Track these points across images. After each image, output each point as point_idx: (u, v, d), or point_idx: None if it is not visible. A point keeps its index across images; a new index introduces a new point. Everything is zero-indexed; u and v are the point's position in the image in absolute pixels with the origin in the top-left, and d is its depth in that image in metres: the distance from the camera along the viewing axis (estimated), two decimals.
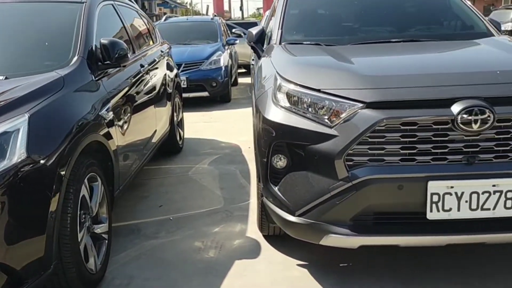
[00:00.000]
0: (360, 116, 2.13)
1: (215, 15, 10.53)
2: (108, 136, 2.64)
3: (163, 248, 2.91)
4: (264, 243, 2.90)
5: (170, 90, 4.57)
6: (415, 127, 2.08)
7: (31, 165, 1.93)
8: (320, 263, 2.63)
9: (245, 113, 7.26)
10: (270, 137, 2.39)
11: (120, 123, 2.90)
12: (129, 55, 3.04)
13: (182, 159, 4.88)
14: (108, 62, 2.85)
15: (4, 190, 1.80)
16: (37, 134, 2.02)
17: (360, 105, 2.14)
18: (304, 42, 3.23)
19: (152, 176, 4.31)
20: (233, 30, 13.68)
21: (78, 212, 2.21)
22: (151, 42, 4.57)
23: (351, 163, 2.15)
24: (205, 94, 8.08)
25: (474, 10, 3.52)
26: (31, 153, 1.94)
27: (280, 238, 2.85)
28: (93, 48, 2.84)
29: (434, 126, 2.07)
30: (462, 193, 2.07)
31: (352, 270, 2.56)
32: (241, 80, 11.39)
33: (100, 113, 2.59)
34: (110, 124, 2.70)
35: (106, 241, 2.59)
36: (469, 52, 2.84)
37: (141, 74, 3.56)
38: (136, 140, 3.34)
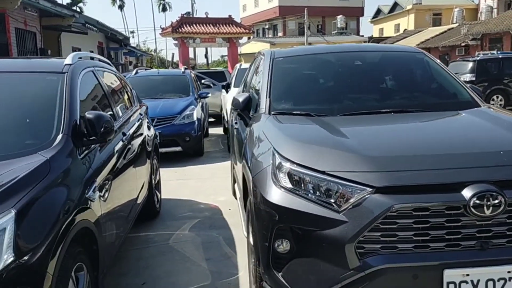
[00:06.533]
0: (370, 201, 2.05)
1: (185, 68, 10.51)
2: (95, 220, 2.44)
3: None
4: None
5: (149, 154, 4.40)
6: (428, 213, 2.02)
7: (17, 268, 1.73)
8: None
9: (220, 168, 7.12)
10: (273, 221, 2.26)
11: (106, 202, 2.70)
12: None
13: (160, 224, 4.64)
14: (93, 137, 2.67)
15: None
16: (25, 231, 1.82)
17: (370, 189, 2.07)
18: (294, 112, 3.18)
19: (131, 246, 4.05)
20: (203, 81, 13.77)
21: None
22: (130, 105, 4.43)
23: (362, 250, 2.05)
24: (178, 149, 7.92)
25: (455, 78, 3.60)
26: (18, 254, 1.74)
27: None
28: (77, 122, 2.66)
29: (446, 212, 2.02)
30: (478, 280, 2.01)
31: None
32: (211, 131, 11.31)
33: (87, 196, 2.40)
34: (97, 206, 2.50)
35: None
36: (466, 128, 2.81)
37: (123, 144, 3.39)
38: (120, 215, 3.14)
